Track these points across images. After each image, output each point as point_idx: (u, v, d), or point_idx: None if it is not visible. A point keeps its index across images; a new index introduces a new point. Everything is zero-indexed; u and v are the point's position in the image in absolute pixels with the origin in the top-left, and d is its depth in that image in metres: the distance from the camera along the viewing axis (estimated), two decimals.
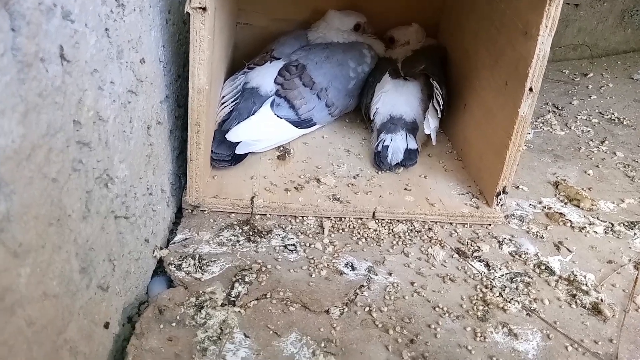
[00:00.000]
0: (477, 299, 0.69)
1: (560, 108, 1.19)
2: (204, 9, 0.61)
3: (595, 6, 1.34)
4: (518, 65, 0.73)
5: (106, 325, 0.53)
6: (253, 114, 0.88)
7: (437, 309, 0.67)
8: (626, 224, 0.85)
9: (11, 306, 0.36)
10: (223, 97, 0.90)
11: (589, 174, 0.97)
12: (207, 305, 0.63)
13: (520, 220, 0.84)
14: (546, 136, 1.09)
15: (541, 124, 1.13)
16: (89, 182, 0.47)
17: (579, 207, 0.88)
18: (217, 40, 0.76)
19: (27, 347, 0.38)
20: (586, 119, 1.15)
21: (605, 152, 1.04)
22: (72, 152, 0.43)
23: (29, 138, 0.36)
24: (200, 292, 0.65)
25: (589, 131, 1.11)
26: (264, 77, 0.91)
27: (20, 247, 0.36)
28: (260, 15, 1.09)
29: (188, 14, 0.62)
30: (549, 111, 1.17)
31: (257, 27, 1.10)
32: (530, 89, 0.71)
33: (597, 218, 0.86)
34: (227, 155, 0.83)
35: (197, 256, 0.70)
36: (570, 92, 1.26)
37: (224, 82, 0.92)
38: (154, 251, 0.69)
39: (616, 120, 1.15)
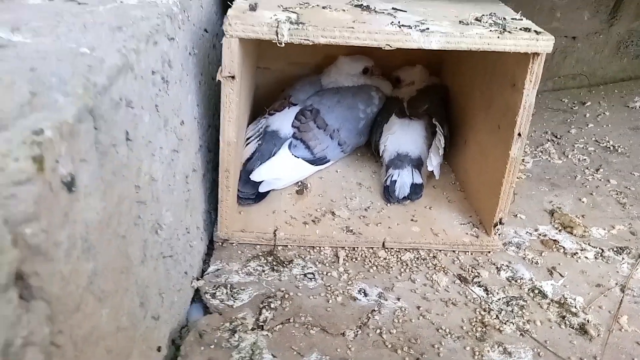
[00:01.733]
0: (476, 321, 0.78)
1: (558, 137, 1.27)
2: (233, 77, 0.72)
3: (591, 38, 1.42)
4: (507, 113, 0.82)
5: (159, 349, 0.63)
6: (273, 155, 0.98)
7: (440, 330, 0.76)
8: (615, 249, 0.93)
9: (96, 340, 0.46)
10: (247, 138, 1.01)
11: (583, 202, 1.05)
12: (239, 330, 0.73)
13: (517, 248, 0.93)
14: (544, 165, 1.17)
15: (540, 153, 1.21)
16: (145, 233, 0.58)
17: (572, 233, 0.96)
18: (242, 95, 0.87)
19: None
20: (583, 147, 1.24)
21: (600, 180, 1.12)
22: (134, 211, 0.54)
23: (107, 209, 0.47)
24: (233, 317, 0.75)
25: (585, 159, 1.19)
26: (283, 121, 1.02)
27: (103, 294, 0.46)
28: (277, 60, 1.20)
29: (219, 81, 0.73)
30: (548, 140, 1.26)
31: (274, 71, 1.21)
32: (519, 134, 0.80)
33: (589, 244, 0.94)
34: (251, 193, 0.94)
35: (229, 285, 0.81)
36: (568, 120, 1.34)
37: (248, 125, 1.03)
38: (191, 282, 0.79)
39: (611, 148, 1.23)
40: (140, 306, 0.57)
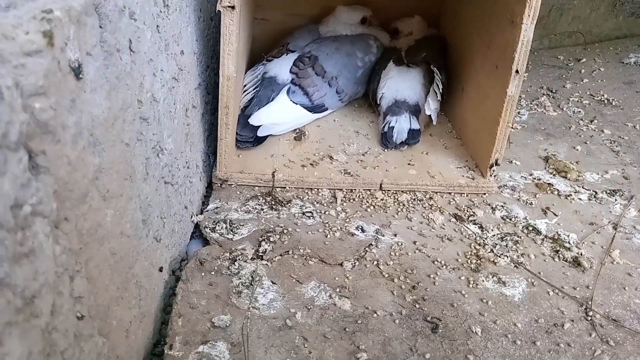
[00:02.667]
0: (471, 255, 0.79)
1: (554, 91, 1.28)
2: (233, 7, 0.72)
3: None
4: (506, 50, 0.83)
5: (160, 269, 0.64)
6: (272, 100, 0.99)
7: (435, 262, 0.77)
8: (608, 192, 0.95)
9: (101, 238, 0.47)
10: (245, 85, 1.01)
11: (577, 150, 1.07)
12: (239, 259, 0.74)
13: (512, 190, 0.94)
14: (540, 117, 1.18)
15: (535, 106, 1.22)
16: (148, 151, 0.59)
17: (566, 178, 0.98)
18: (242, 34, 0.87)
19: (110, 273, 0.49)
20: (578, 101, 1.25)
21: (594, 130, 1.14)
22: (137, 125, 0.55)
23: (112, 110, 0.47)
24: (233, 249, 0.76)
25: (579, 111, 1.20)
26: (281, 67, 1.02)
27: (108, 193, 0.47)
28: (276, 11, 1.19)
29: (219, 12, 0.73)
30: (544, 94, 1.27)
31: (273, 22, 1.21)
32: (517, 71, 0.81)
33: (583, 187, 0.96)
34: (250, 137, 0.94)
35: (228, 221, 0.82)
36: (564, 76, 1.35)
37: (245, 72, 1.03)
38: (191, 216, 0.80)
39: (605, 101, 1.24)
40: (143, 223, 0.58)
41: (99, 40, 0.45)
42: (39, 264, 0.35)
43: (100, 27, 0.45)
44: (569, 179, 0.97)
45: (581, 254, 0.80)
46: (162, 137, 0.64)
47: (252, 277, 0.71)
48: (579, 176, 0.98)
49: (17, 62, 0.34)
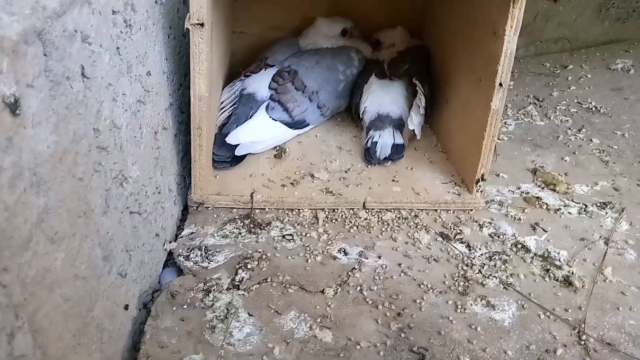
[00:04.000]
0: (458, 276, 0.76)
1: (541, 100, 1.26)
2: (202, 24, 0.69)
3: (573, 1, 1.41)
4: (489, 63, 0.80)
5: (126, 307, 0.60)
6: (250, 117, 0.95)
7: (422, 286, 0.74)
8: (598, 204, 0.92)
9: (50, 284, 0.43)
10: (222, 102, 0.97)
11: (565, 160, 1.04)
12: (214, 290, 0.70)
13: (500, 205, 0.91)
14: (527, 127, 1.16)
15: (522, 115, 1.20)
16: (108, 182, 0.55)
17: (555, 191, 0.95)
18: (215, 51, 0.83)
19: (64, 320, 0.45)
20: (565, 109, 1.22)
21: (582, 140, 1.11)
22: (93, 156, 0.51)
23: (60, 144, 0.43)
24: (208, 278, 0.72)
25: (567, 120, 1.18)
26: (259, 83, 0.99)
27: (56, 235, 0.43)
28: (254, 24, 1.16)
29: (188, 29, 0.70)
30: (530, 103, 1.24)
31: (251, 35, 1.18)
32: (500, 84, 0.78)
33: (572, 200, 0.93)
34: (227, 157, 0.91)
35: (204, 247, 0.78)
36: (550, 84, 1.33)
37: (223, 89, 1.00)
38: (164, 244, 0.76)
39: (593, 109, 1.22)
40: (104, 259, 0.54)
41: (43, 69, 0.41)
42: None
43: (45, 55, 0.42)
44: (558, 192, 0.94)
45: (572, 273, 0.77)
46: (126, 165, 0.60)
47: (227, 309, 0.67)
48: (568, 189, 0.95)
49: None
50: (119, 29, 0.57)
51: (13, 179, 0.37)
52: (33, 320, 0.40)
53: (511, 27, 0.74)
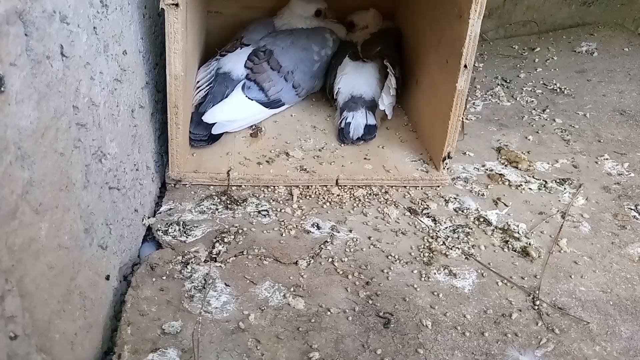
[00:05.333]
0: (424, 248, 0.80)
1: (508, 81, 1.31)
2: (177, 5, 0.71)
3: None
4: (455, 45, 0.83)
5: (107, 277, 0.63)
6: (226, 96, 0.97)
7: (389, 257, 0.78)
8: (558, 181, 0.97)
9: (36, 252, 0.46)
10: (198, 82, 0.99)
11: (529, 139, 1.09)
12: (192, 262, 0.73)
13: (465, 182, 0.95)
14: (494, 107, 1.20)
15: (490, 96, 1.24)
16: (87, 157, 0.57)
17: (517, 168, 1.00)
18: (190, 30, 0.85)
19: (49, 286, 0.48)
20: (531, 90, 1.27)
21: (546, 120, 1.16)
22: (73, 132, 0.53)
23: (42, 120, 0.46)
24: (186, 251, 0.75)
25: (532, 101, 1.23)
26: (235, 62, 1.01)
27: (40, 207, 0.46)
28: (229, 3, 1.17)
29: (163, 9, 0.71)
30: (498, 84, 1.29)
31: (227, 15, 1.19)
32: (465, 66, 0.82)
33: (533, 177, 0.98)
34: (204, 135, 0.93)
35: (182, 222, 0.81)
36: (518, 66, 1.38)
37: (199, 68, 1.01)
38: (143, 219, 0.79)
39: (558, 90, 1.27)
40: (85, 232, 0.57)
41: (25, 49, 0.43)
42: None
43: (26, 34, 0.44)
44: (520, 169, 1.00)
45: (530, 244, 0.82)
46: (104, 142, 0.62)
47: (205, 280, 0.71)
48: (529, 166, 1.00)
49: None
50: (95, 9, 0.59)
51: (0, 153, 0.39)
52: (21, 285, 0.43)
53: (475, 11, 0.78)
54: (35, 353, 0.45)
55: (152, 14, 0.83)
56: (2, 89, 0.39)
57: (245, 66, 1.01)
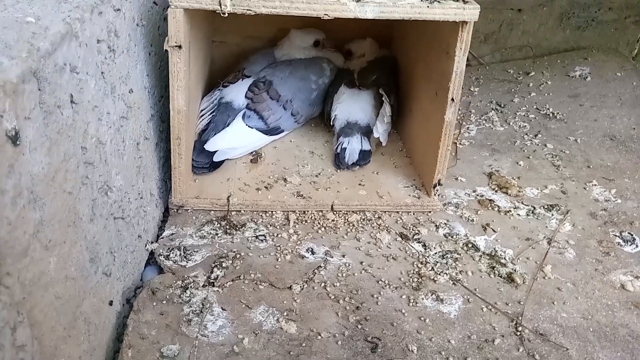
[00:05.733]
0: (413, 273, 0.84)
1: (502, 105, 1.34)
2: (180, 46, 0.76)
3: (536, 10, 1.49)
4: (443, 79, 0.88)
5: (110, 303, 0.68)
6: (228, 125, 1.02)
7: (380, 282, 0.82)
8: (546, 207, 1.01)
9: (45, 285, 0.50)
10: (202, 110, 1.04)
11: (520, 165, 1.13)
12: (191, 287, 0.77)
13: (456, 207, 0.99)
14: (487, 132, 1.24)
15: (484, 121, 1.28)
16: (94, 192, 0.62)
17: (507, 194, 1.03)
18: (193, 65, 0.90)
19: (56, 315, 0.53)
20: (524, 115, 1.31)
21: (537, 145, 1.20)
22: (81, 171, 0.58)
23: (52, 165, 0.51)
24: (185, 276, 0.79)
25: (525, 126, 1.26)
26: (237, 93, 1.06)
27: (50, 243, 0.50)
28: (232, 34, 1.23)
29: (167, 50, 0.77)
30: (492, 109, 1.33)
31: (230, 44, 1.24)
32: (452, 99, 0.86)
33: (522, 203, 1.01)
34: (206, 162, 0.98)
35: (182, 247, 0.85)
36: (513, 90, 1.41)
37: (202, 98, 1.07)
38: (146, 245, 0.83)
39: (550, 115, 1.31)
40: (91, 261, 0.61)
41: (38, 102, 0.48)
42: None
43: (39, 89, 0.48)
44: (510, 195, 1.03)
45: (515, 270, 0.86)
46: (110, 177, 0.67)
47: (202, 304, 0.75)
48: (519, 192, 1.04)
49: None
50: (103, 55, 0.64)
51: (14, 198, 0.44)
52: (30, 316, 0.47)
53: (460, 48, 0.82)
54: None
55: (158, 50, 0.88)
56: (18, 142, 0.44)
57: (246, 96, 1.06)
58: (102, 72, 0.64)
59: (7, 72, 0.44)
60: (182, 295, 0.76)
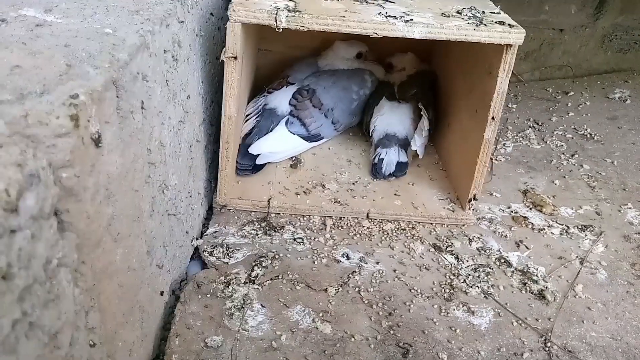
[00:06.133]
0: (445, 284, 0.87)
1: (540, 124, 1.36)
2: (235, 57, 0.80)
3: (578, 31, 1.50)
4: (484, 98, 0.90)
5: (161, 293, 0.73)
6: (271, 130, 1.07)
7: (412, 290, 0.85)
8: (580, 227, 1.02)
9: (111, 274, 0.55)
10: (247, 115, 1.09)
11: (555, 184, 1.14)
12: (233, 283, 0.82)
13: (490, 222, 1.01)
14: (524, 149, 1.26)
15: (521, 138, 1.30)
16: (154, 190, 0.67)
17: (541, 212, 1.05)
18: (244, 74, 0.95)
19: (118, 302, 0.58)
20: (561, 134, 1.32)
21: (574, 165, 1.21)
22: (145, 171, 0.63)
23: (124, 165, 0.55)
24: (228, 272, 0.84)
25: (562, 145, 1.27)
26: (281, 99, 1.10)
27: (118, 236, 0.55)
28: (278, 43, 1.28)
29: (223, 60, 0.81)
30: (530, 126, 1.34)
31: (275, 53, 1.29)
32: (493, 118, 0.89)
33: (556, 222, 1.03)
34: (249, 165, 1.03)
35: (225, 245, 0.90)
36: (551, 109, 1.42)
37: (248, 103, 1.12)
38: (192, 241, 0.88)
39: (588, 135, 1.31)
40: (147, 254, 0.66)
41: (116, 108, 0.53)
42: (62, 306, 0.43)
43: (117, 97, 0.53)
44: (544, 213, 1.05)
45: (547, 287, 0.87)
46: (168, 176, 0.72)
47: (243, 300, 0.79)
48: (553, 210, 1.05)
49: (50, 143, 0.42)
50: (168, 64, 0.69)
51: (93, 195, 0.49)
52: (99, 302, 0.52)
53: (504, 70, 0.84)
54: (106, 358, 0.54)
55: (212, 59, 0.93)
56: (100, 144, 0.49)
57: (289, 103, 1.10)
58: (166, 80, 0.69)
59: (93, 81, 0.49)
60: (224, 290, 0.80)
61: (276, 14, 0.77)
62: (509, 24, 0.82)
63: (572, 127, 1.35)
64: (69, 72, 0.48)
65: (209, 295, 0.79)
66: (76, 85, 0.46)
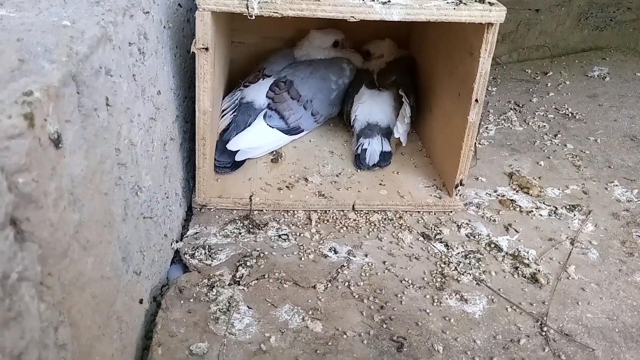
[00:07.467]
0: (436, 273, 0.84)
1: (520, 105, 1.34)
2: (207, 49, 0.76)
3: (554, 10, 1.48)
4: (466, 80, 0.88)
5: (140, 301, 0.69)
6: (249, 125, 1.03)
7: (403, 282, 0.83)
8: (568, 207, 1.00)
9: (82, 285, 0.51)
10: (223, 110, 1.05)
11: (540, 165, 1.12)
12: (217, 285, 0.78)
13: (477, 207, 0.99)
14: (506, 132, 1.24)
15: (503, 121, 1.28)
16: (126, 193, 0.63)
17: (528, 194, 1.03)
18: (217, 67, 0.91)
19: (92, 314, 0.54)
20: (543, 115, 1.31)
21: (557, 145, 1.20)
22: (115, 172, 0.59)
23: (90, 166, 0.51)
24: (211, 275, 0.80)
25: (544, 126, 1.26)
26: (257, 93, 1.06)
27: (87, 243, 0.51)
28: (251, 34, 1.23)
29: (194, 53, 0.77)
30: (511, 109, 1.32)
31: (249, 45, 1.25)
32: (476, 100, 0.86)
33: (544, 203, 1.01)
34: (228, 162, 0.99)
35: (207, 246, 0.86)
36: (531, 90, 1.41)
37: (223, 98, 1.07)
38: (171, 243, 0.84)
39: (569, 115, 1.30)
40: (123, 260, 0.62)
41: (77, 105, 0.49)
42: (25, 324, 0.39)
43: (78, 93, 0.49)
44: (531, 195, 1.03)
45: (539, 270, 0.86)
46: (140, 177, 0.68)
47: (229, 303, 0.76)
48: (540, 192, 1.03)
49: (2, 145, 0.38)
50: (134, 58, 0.65)
51: (56, 200, 0.45)
52: (70, 315, 0.48)
53: (486, 50, 0.82)
54: None
55: (182, 52, 0.89)
56: (60, 145, 0.45)
57: (267, 96, 1.07)
58: (133, 75, 0.64)
59: (49, 76, 0.44)
60: (208, 294, 0.77)
61: (247, 0, 0.73)
62: (489, 2, 0.79)
63: (554, 107, 1.33)
64: (22, 67, 0.44)
65: (192, 300, 0.76)
66: (30, 82, 0.42)
